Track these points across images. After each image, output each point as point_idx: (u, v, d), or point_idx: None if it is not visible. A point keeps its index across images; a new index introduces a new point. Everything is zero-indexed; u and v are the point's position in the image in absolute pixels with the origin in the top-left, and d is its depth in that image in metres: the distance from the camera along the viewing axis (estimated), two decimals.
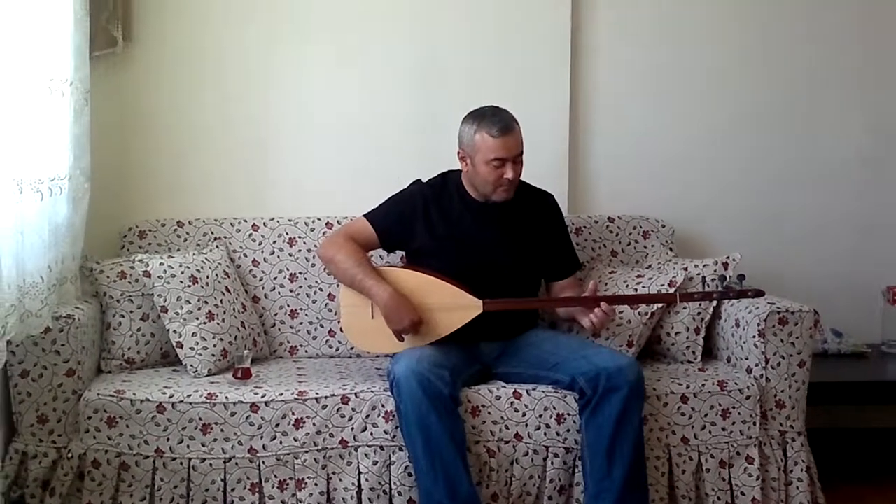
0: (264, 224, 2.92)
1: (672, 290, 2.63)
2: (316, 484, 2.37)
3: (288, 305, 2.87)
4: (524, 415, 2.41)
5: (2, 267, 2.11)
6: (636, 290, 2.69)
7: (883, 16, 3.26)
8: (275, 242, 2.90)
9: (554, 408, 2.41)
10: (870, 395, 2.91)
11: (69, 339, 2.38)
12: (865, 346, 3.10)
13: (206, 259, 2.73)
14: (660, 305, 2.66)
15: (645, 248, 3.00)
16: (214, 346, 2.59)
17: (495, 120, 2.49)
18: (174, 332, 2.59)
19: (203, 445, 2.35)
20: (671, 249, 3.02)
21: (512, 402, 2.41)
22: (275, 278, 2.88)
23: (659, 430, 2.46)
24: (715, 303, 2.69)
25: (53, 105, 2.43)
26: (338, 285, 2.66)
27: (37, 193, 2.31)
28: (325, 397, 2.39)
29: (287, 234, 2.91)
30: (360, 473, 2.38)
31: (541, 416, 2.41)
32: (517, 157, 2.51)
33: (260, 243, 2.90)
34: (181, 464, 2.35)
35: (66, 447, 2.36)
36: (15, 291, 2.17)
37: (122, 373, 2.58)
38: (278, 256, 2.90)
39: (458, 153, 2.57)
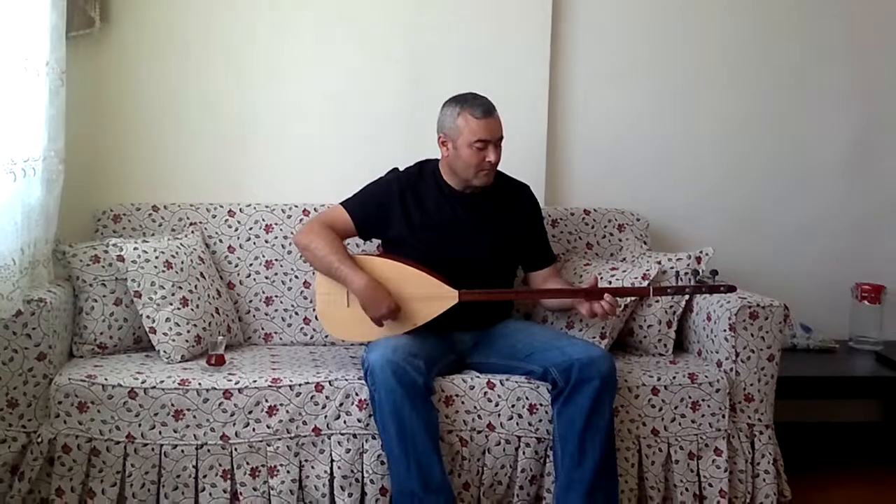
0: (241, 210, 2.91)
1: (645, 283, 2.65)
2: (288, 471, 2.37)
3: (263, 292, 2.86)
4: (497, 405, 2.43)
5: None
6: (610, 282, 2.71)
7: (868, 19, 3.29)
8: (251, 229, 2.89)
9: (527, 398, 2.43)
10: (837, 390, 2.96)
11: (41, 322, 2.36)
12: (833, 341, 3.15)
13: (181, 244, 2.71)
14: (633, 298, 2.69)
15: (620, 240, 3.02)
16: (188, 331, 2.58)
17: (477, 103, 2.50)
18: (147, 317, 2.58)
19: (175, 432, 2.34)
20: (645, 243, 3.04)
21: (485, 392, 2.43)
22: (250, 265, 2.87)
23: (630, 422, 2.48)
24: (687, 297, 2.72)
25: (28, 85, 2.40)
26: (313, 273, 2.66)
27: (10, 174, 2.29)
28: (299, 385, 2.39)
29: (263, 220, 2.90)
30: (332, 461, 2.38)
31: (513, 406, 2.43)
32: (498, 141, 2.53)
33: (236, 229, 2.89)
34: (153, 450, 2.34)
35: (35, 432, 2.34)
36: None
37: (93, 357, 2.57)
38: (254, 243, 2.89)
39: (439, 138, 2.57)
